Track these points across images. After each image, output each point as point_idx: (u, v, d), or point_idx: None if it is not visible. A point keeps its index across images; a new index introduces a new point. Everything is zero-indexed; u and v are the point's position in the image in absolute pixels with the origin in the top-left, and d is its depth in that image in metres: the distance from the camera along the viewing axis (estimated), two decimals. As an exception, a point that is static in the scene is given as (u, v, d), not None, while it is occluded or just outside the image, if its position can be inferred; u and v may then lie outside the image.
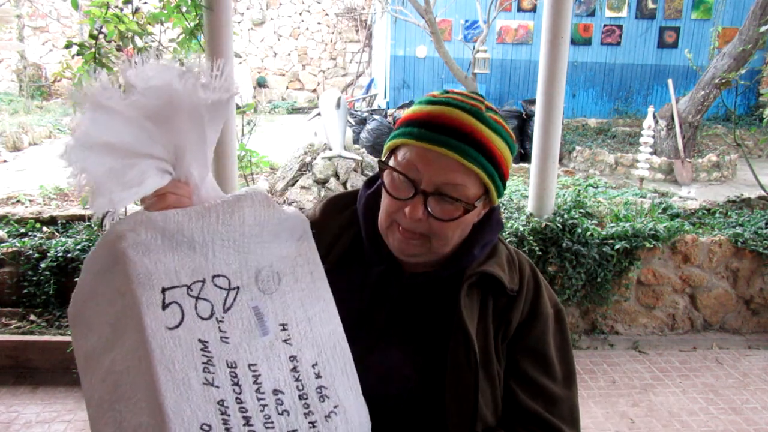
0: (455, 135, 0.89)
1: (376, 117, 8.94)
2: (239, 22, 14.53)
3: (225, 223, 0.79)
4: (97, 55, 3.50)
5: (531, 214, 3.59)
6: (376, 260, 1.03)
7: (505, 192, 1.00)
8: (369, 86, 12.93)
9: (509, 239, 3.43)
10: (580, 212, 3.72)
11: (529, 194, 3.66)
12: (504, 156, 0.94)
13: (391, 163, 0.96)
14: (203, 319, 0.75)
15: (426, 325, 1.00)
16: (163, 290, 0.73)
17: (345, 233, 1.07)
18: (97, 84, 0.74)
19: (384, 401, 0.94)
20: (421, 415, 0.96)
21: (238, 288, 0.79)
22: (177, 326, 0.72)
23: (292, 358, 0.80)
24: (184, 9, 3.46)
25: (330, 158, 5.62)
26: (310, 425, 0.77)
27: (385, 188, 0.96)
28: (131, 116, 0.76)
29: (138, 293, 0.71)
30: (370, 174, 6.04)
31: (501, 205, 3.99)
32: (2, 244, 3.46)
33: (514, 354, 1.00)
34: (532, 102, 7.53)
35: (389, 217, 0.96)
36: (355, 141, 7.64)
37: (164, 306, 0.72)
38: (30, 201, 5.05)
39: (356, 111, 9.62)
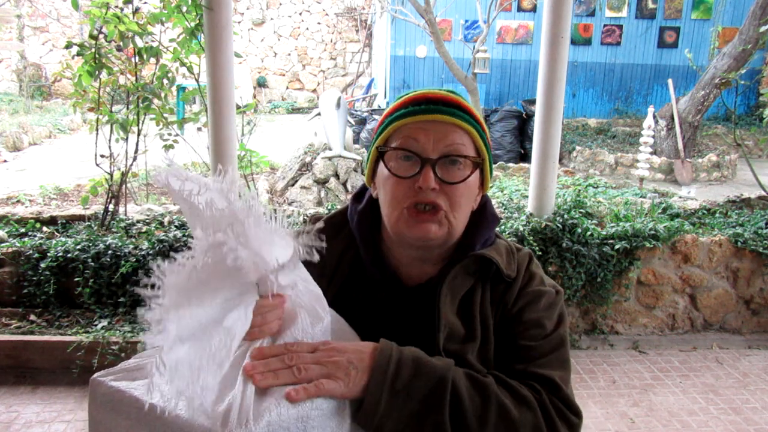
0: (442, 103, 0.97)
1: (376, 117, 8.94)
2: (239, 22, 14.53)
3: None
4: (97, 55, 3.50)
5: (531, 214, 3.59)
6: (378, 279, 1.04)
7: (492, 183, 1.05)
8: (369, 86, 12.93)
9: (509, 239, 3.43)
10: (580, 212, 3.72)
11: (529, 194, 3.66)
12: (485, 127, 1.01)
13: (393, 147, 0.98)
14: None
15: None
16: None
17: (344, 257, 1.07)
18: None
19: None
20: None
21: None
22: None
23: None
24: (184, 9, 3.47)
25: (330, 158, 5.62)
26: None
27: (391, 172, 0.97)
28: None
29: None
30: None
31: (501, 205, 3.99)
32: (2, 244, 3.46)
33: (509, 334, 1.00)
34: (532, 102, 7.53)
35: (399, 204, 0.96)
36: (355, 141, 7.65)
37: None
38: (30, 201, 5.06)
39: (356, 111, 9.62)
